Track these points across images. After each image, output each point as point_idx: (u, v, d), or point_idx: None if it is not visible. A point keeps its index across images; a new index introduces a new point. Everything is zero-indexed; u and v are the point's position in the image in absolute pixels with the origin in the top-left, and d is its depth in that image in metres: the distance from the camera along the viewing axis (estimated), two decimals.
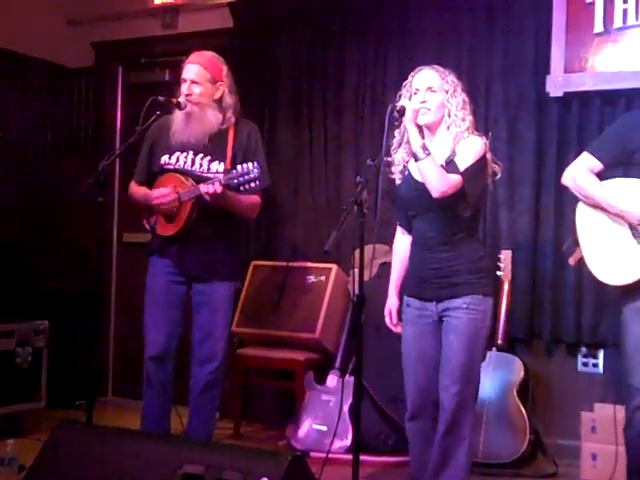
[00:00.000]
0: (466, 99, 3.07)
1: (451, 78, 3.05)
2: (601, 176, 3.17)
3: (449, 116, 3.02)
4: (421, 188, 2.96)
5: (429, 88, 3.01)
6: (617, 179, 3.14)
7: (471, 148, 2.98)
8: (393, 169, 3.12)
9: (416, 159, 2.92)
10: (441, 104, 3.01)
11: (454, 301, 2.97)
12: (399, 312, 3.15)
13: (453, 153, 2.98)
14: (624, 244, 3.05)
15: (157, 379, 3.63)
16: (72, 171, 5.59)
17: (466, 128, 3.02)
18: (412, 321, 3.08)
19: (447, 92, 3.02)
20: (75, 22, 5.65)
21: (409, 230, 3.16)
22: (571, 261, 3.32)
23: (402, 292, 3.18)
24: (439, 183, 2.88)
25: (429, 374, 3.05)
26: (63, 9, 5.61)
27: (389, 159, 3.11)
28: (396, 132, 3.10)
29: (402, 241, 3.21)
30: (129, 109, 5.58)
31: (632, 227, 3.05)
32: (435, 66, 3.07)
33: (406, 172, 3.10)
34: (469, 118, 3.04)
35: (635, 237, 3.04)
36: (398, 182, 3.13)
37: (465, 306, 2.95)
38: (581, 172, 3.19)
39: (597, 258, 3.12)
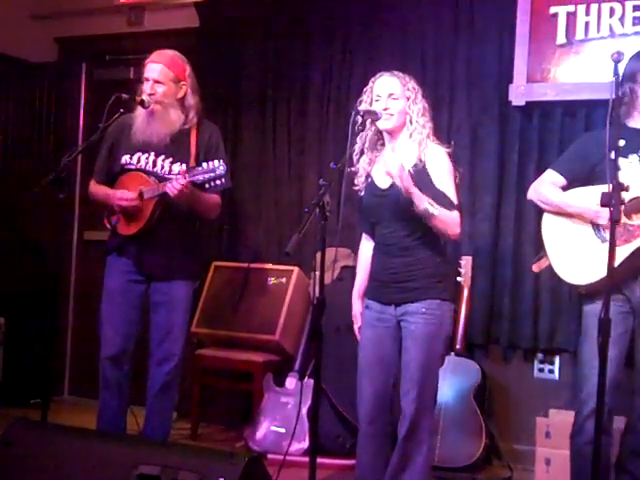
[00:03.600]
0: (426, 105, 3.09)
1: (412, 84, 3.07)
2: (566, 190, 3.24)
3: (411, 123, 3.03)
4: (383, 195, 3.00)
5: (390, 95, 3.02)
6: (578, 188, 3.20)
7: (444, 169, 3.00)
8: (356, 180, 3.14)
9: (429, 216, 2.89)
10: (402, 110, 3.03)
11: (411, 306, 2.99)
12: (362, 316, 3.17)
13: (420, 161, 2.99)
14: (588, 244, 3.11)
15: (113, 379, 3.60)
16: (32, 167, 5.53)
17: (427, 135, 3.04)
18: (371, 324, 3.10)
19: (408, 99, 3.03)
20: (39, 16, 5.58)
21: (373, 236, 3.18)
22: (535, 268, 3.37)
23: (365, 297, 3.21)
24: (454, 228, 2.96)
25: (386, 378, 3.06)
26: (27, 3, 5.54)
27: (352, 169, 3.11)
28: (357, 138, 3.10)
29: (366, 248, 3.22)
30: (92, 106, 5.53)
31: (594, 225, 3.12)
32: (395, 72, 3.08)
33: (369, 179, 3.12)
34: (429, 125, 3.07)
35: (597, 236, 3.10)
36: (361, 193, 3.14)
37: (422, 311, 2.97)
38: (543, 184, 3.29)
39: (564, 261, 3.17)
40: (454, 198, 2.99)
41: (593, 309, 3.06)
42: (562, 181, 3.25)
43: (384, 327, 3.07)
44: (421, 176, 2.96)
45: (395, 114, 3.02)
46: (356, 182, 3.14)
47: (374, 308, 3.10)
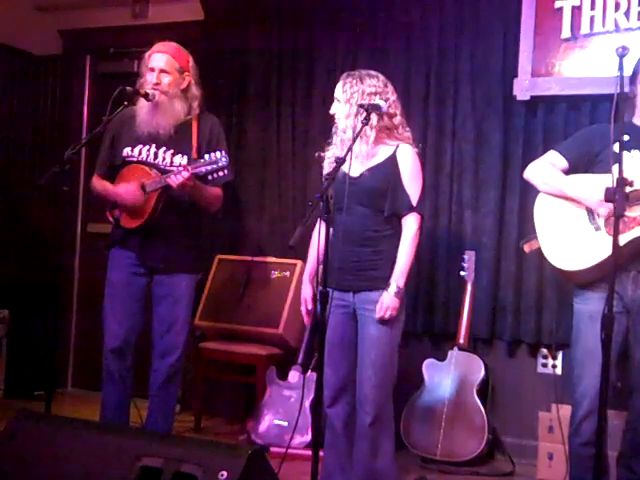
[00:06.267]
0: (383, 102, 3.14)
1: (349, 91, 3.17)
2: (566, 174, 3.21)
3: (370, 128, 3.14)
4: (353, 183, 3.07)
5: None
6: (580, 174, 3.16)
7: (413, 170, 3.15)
8: (328, 165, 3.23)
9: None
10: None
11: (371, 294, 3.09)
12: (314, 300, 3.23)
13: (391, 160, 3.14)
14: (580, 230, 3.07)
15: (117, 372, 3.60)
16: (37, 160, 5.53)
17: (393, 134, 3.19)
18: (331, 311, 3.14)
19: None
20: (43, 8, 5.57)
21: (329, 223, 3.15)
22: (526, 248, 3.37)
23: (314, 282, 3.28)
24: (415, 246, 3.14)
25: (348, 362, 3.19)
26: None
27: (322, 154, 3.28)
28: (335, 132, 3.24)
29: (323, 234, 3.17)
30: (97, 99, 5.53)
31: (589, 212, 3.07)
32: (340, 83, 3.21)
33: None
34: (393, 124, 3.19)
35: (591, 223, 3.05)
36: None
37: None
38: (544, 164, 3.23)
39: (553, 244, 3.13)
40: (415, 200, 3.13)
41: (584, 309, 3.06)
42: (564, 164, 3.19)
43: (343, 313, 3.17)
44: (388, 175, 3.12)
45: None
46: (327, 168, 3.22)
47: (334, 295, 3.13)
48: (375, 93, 3.13)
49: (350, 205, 3.09)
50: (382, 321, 3.07)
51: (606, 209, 2.97)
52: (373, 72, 3.22)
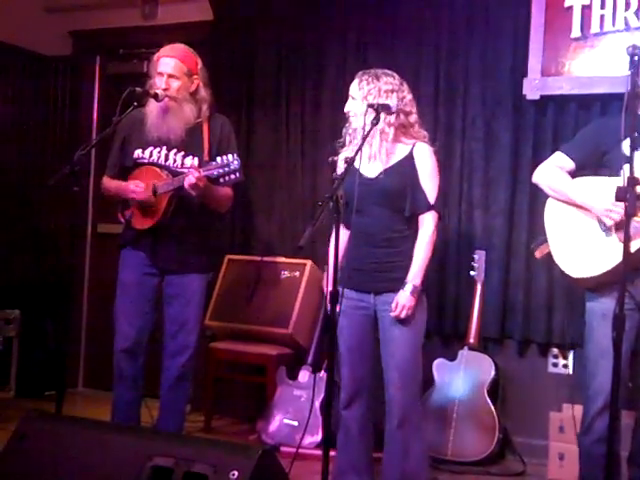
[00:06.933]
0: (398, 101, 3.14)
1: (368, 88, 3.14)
2: (573, 176, 3.19)
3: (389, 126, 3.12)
4: (370, 184, 3.06)
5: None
6: (586, 177, 3.15)
7: (429, 168, 3.15)
8: (340, 165, 3.21)
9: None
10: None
11: (393, 295, 3.07)
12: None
13: (408, 159, 3.13)
14: (592, 237, 3.06)
15: (128, 372, 3.62)
16: (46, 161, 5.55)
17: (409, 132, 3.18)
18: (346, 312, 3.11)
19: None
20: (53, 9, 5.59)
21: (347, 225, 3.17)
22: (537, 254, 3.36)
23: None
24: (432, 244, 3.13)
25: (365, 364, 3.19)
26: None
27: (335, 159, 3.24)
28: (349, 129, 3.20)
29: (342, 236, 3.16)
30: (106, 99, 5.53)
31: (599, 219, 3.08)
32: (358, 77, 3.19)
33: (351, 167, 3.11)
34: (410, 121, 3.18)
35: (602, 228, 3.04)
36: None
37: None
38: (551, 168, 3.22)
39: (565, 252, 3.12)
40: (432, 198, 3.13)
41: (597, 307, 3.04)
42: (571, 165, 3.18)
43: (362, 314, 3.16)
44: (406, 174, 3.10)
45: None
46: (339, 170, 3.20)
47: (350, 296, 3.13)
48: (392, 91, 3.12)
49: (368, 206, 3.08)
50: (404, 322, 3.05)
51: (611, 220, 2.98)
52: (388, 71, 3.20)
